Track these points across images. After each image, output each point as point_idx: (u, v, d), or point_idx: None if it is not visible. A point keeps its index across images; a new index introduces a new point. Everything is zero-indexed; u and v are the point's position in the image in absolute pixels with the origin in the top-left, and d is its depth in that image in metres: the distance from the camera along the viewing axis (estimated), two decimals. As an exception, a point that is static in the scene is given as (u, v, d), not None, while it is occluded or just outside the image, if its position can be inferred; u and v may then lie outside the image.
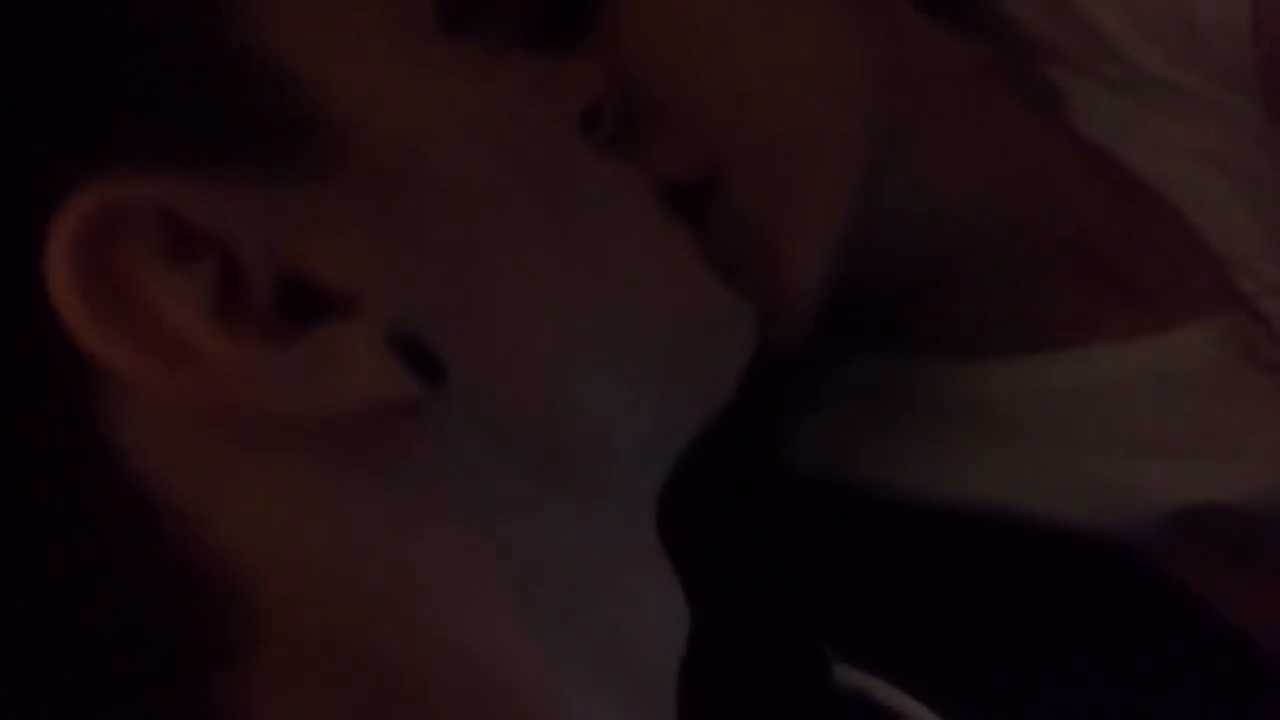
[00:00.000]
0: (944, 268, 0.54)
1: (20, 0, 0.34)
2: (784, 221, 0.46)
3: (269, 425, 0.33)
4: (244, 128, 0.35)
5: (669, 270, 0.43)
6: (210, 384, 0.32)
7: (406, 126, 0.37)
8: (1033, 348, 0.55)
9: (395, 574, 0.34)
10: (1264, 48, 0.55)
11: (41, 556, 0.33)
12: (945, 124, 0.52)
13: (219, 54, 0.35)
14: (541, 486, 0.38)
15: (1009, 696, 0.49)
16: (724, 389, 0.44)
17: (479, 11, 0.43)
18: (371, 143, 0.36)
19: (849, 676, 0.46)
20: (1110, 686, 0.50)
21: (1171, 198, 0.57)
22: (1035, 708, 0.49)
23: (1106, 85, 0.57)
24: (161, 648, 0.33)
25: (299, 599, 0.33)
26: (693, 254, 0.44)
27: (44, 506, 0.33)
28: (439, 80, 0.39)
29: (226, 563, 0.33)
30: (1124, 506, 0.52)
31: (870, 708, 0.46)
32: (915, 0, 0.55)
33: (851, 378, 0.57)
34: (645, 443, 0.41)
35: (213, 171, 0.34)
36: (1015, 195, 0.54)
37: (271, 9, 0.37)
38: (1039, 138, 0.56)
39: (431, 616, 0.35)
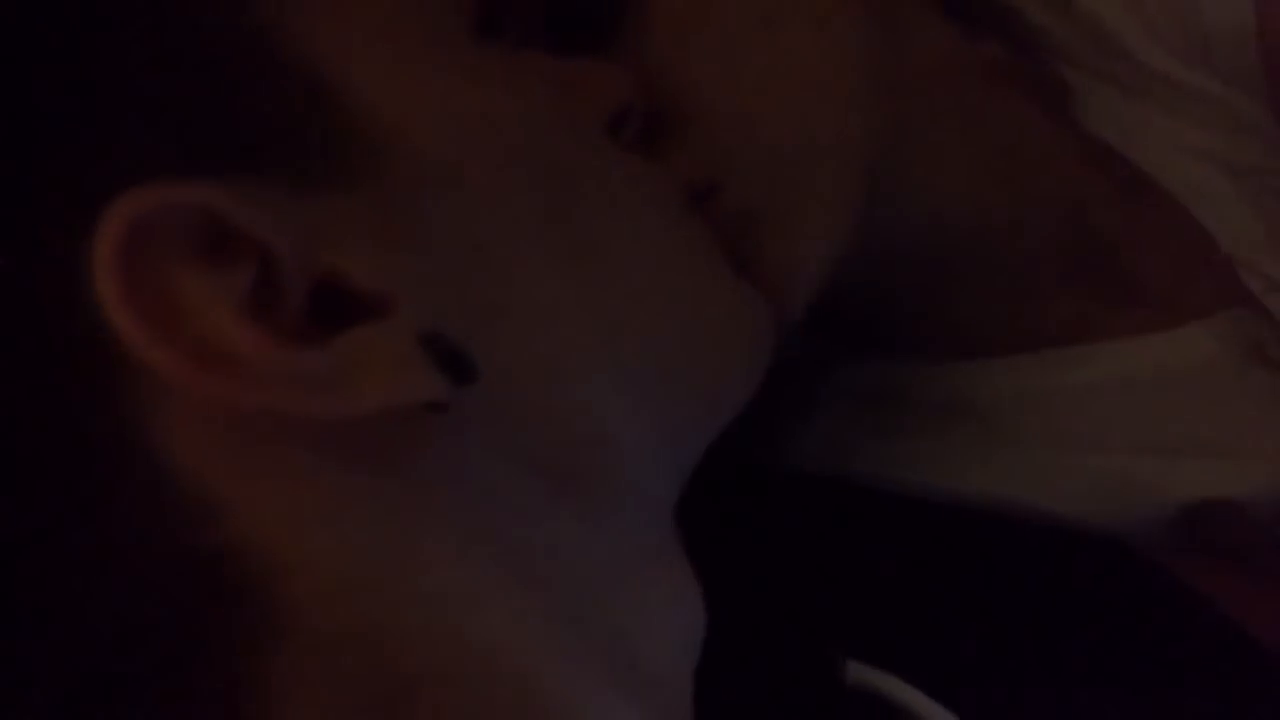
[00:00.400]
0: (946, 266, 0.53)
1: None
2: (782, 219, 0.46)
3: (289, 420, 0.33)
4: (277, 132, 0.35)
5: (680, 270, 0.43)
6: (247, 386, 0.32)
7: (434, 131, 0.37)
8: (1035, 346, 0.54)
9: (407, 572, 0.34)
10: (1268, 45, 0.55)
11: (55, 546, 0.33)
12: (947, 122, 0.52)
13: (254, 57, 0.36)
14: (552, 486, 0.38)
15: (1010, 693, 0.49)
16: (739, 388, 0.44)
17: (510, 14, 0.43)
18: (401, 148, 0.36)
19: (861, 674, 0.46)
20: (1112, 682, 0.49)
21: (1179, 196, 0.57)
22: (1036, 704, 0.49)
23: (1113, 84, 0.57)
24: (174, 641, 0.33)
25: (315, 596, 0.33)
26: (709, 253, 0.44)
27: (63, 497, 0.33)
28: (466, 84, 0.39)
29: (246, 557, 0.33)
30: (1125, 504, 0.52)
31: (883, 706, 0.45)
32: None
33: (854, 377, 0.57)
34: (655, 443, 0.41)
35: (247, 176, 0.34)
36: (1019, 193, 0.54)
37: (306, 10, 0.37)
38: (1045, 135, 0.55)
39: (442, 614, 0.35)
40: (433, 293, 0.36)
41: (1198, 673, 0.50)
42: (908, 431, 0.55)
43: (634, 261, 0.41)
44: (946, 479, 0.53)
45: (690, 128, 0.46)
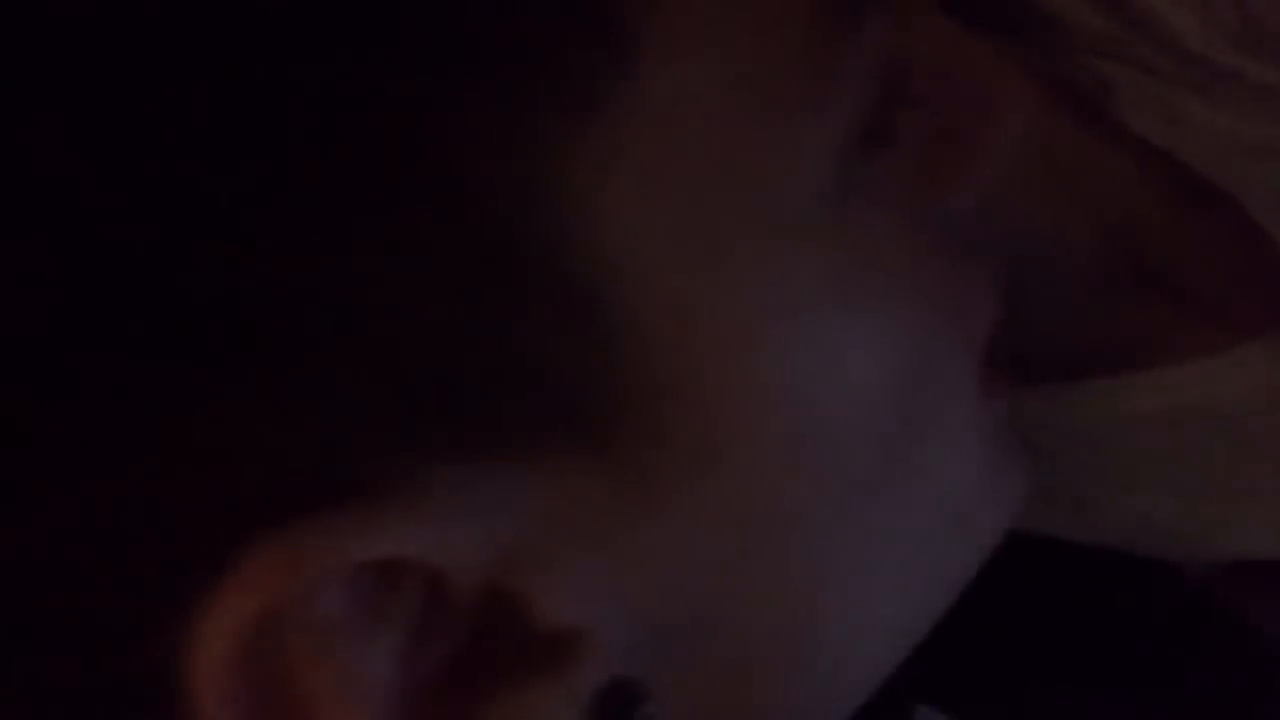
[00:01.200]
0: None
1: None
2: None
3: None
4: (484, 392, 0.26)
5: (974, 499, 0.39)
6: None
7: (743, 385, 0.29)
8: (1068, 374, 0.52)
9: None
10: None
11: None
12: None
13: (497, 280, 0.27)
14: None
15: (1029, 701, 0.49)
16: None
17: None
18: (678, 416, 0.28)
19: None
20: (1144, 704, 0.49)
21: (1234, 198, 0.52)
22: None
23: (1160, 78, 0.52)
24: None
25: None
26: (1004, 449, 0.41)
27: None
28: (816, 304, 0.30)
29: None
30: (1158, 550, 0.50)
31: None
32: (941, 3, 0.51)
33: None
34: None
35: (420, 470, 0.26)
36: (1054, 207, 0.51)
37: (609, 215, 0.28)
38: (1080, 142, 0.51)
39: None
40: (640, 615, 0.28)
41: (1236, 693, 0.50)
42: None
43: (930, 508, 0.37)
44: None
45: None
